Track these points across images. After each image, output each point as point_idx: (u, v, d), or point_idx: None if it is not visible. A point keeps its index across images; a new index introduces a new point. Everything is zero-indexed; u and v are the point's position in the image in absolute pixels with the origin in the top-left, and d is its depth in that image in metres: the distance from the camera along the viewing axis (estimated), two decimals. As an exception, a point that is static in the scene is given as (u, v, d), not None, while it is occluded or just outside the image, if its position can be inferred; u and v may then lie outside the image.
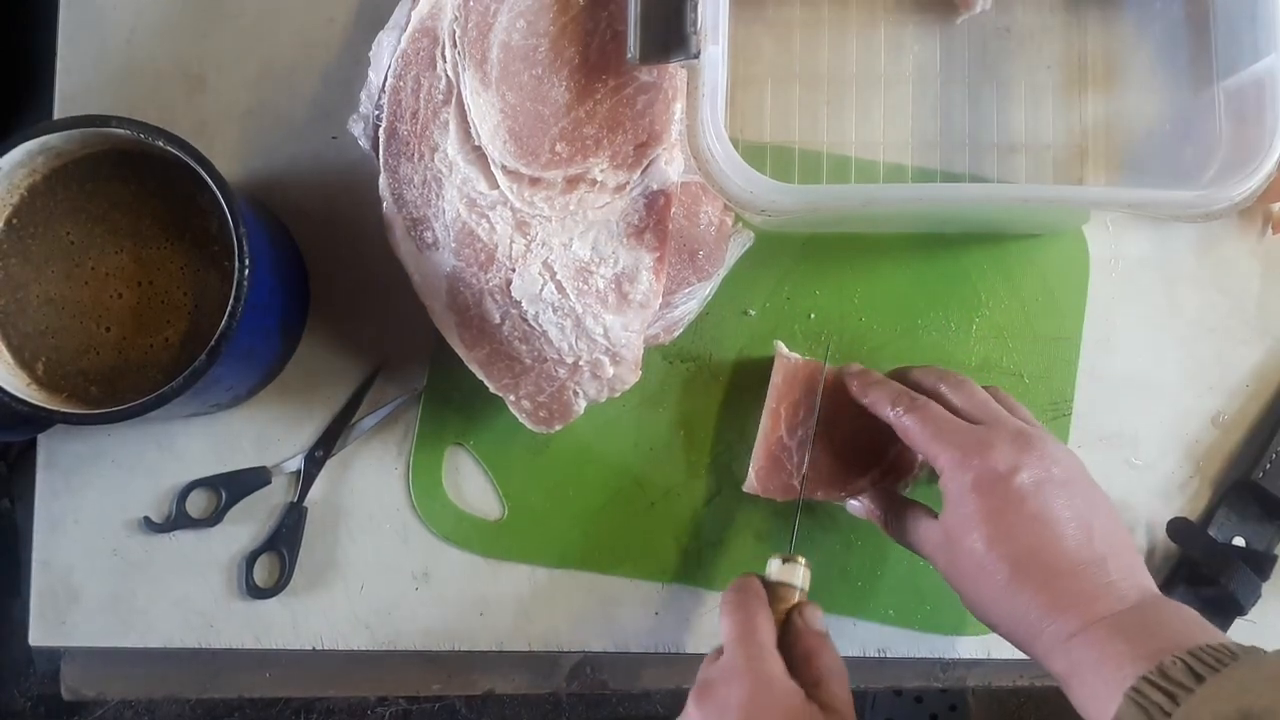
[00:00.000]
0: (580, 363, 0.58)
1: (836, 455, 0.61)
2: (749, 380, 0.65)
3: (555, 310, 0.57)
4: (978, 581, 0.51)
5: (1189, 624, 0.46)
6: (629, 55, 0.54)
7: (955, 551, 0.52)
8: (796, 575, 0.56)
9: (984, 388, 0.57)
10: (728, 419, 0.65)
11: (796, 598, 0.55)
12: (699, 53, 0.53)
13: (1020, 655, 0.64)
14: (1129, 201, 0.55)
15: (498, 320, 0.58)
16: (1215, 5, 0.60)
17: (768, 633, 0.52)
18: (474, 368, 0.59)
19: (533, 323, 0.58)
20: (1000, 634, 0.51)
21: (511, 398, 0.59)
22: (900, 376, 0.59)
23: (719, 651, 0.53)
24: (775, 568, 0.56)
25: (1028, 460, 0.50)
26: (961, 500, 0.51)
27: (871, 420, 0.58)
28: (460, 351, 0.59)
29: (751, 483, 0.62)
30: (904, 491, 0.61)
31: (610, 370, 0.58)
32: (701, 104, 0.53)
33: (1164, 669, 0.43)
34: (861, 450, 0.60)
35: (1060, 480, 0.51)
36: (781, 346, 0.62)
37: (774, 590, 0.55)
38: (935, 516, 0.54)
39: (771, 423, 0.61)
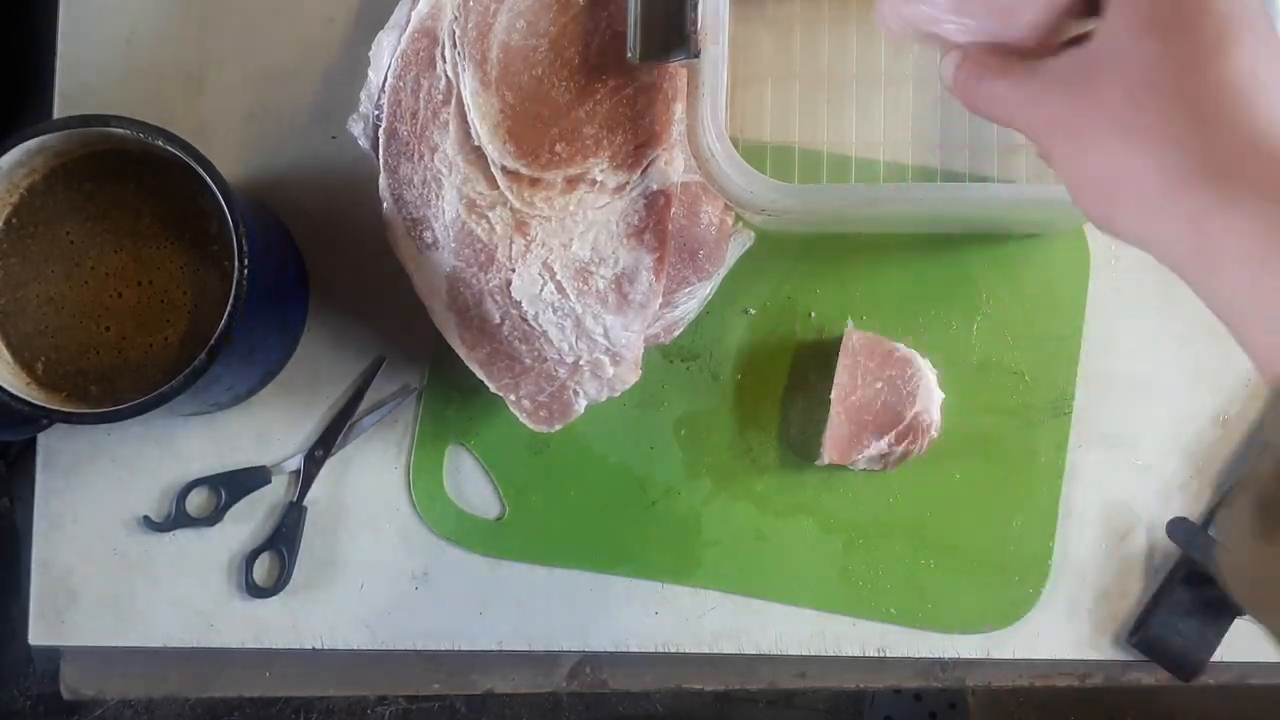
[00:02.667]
0: (580, 363, 0.58)
1: (852, 419, 0.62)
2: (750, 379, 0.65)
3: (555, 310, 0.57)
4: (1114, 125, 0.34)
5: None
6: (629, 55, 0.54)
7: (1089, 88, 0.34)
8: None
9: None
10: (728, 418, 0.65)
11: None
12: (699, 52, 0.53)
13: (1020, 655, 0.64)
14: (1129, 201, 0.55)
15: (498, 320, 0.58)
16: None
17: None
18: (474, 368, 0.59)
19: (533, 323, 0.58)
20: (1129, 222, 0.36)
21: (512, 397, 0.59)
22: None
23: None
24: None
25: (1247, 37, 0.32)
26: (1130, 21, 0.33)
27: (890, 383, 0.60)
28: (460, 351, 0.59)
29: (826, 454, 0.62)
30: (917, 453, 0.62)
31: (610, 370, 0.58)
32: (701, 104, 0.53)
33: None
34: (879, 413, 0.62)
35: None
36: (850, 324, 0.64)
37: None
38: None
39: (844, 394, 0.62)
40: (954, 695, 1.12)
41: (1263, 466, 0.31)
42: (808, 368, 0.65)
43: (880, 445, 0.61)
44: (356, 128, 0.61)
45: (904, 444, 0.62)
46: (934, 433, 0.62)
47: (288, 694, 0.70)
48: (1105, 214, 0.36)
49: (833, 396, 0.62)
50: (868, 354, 0.62)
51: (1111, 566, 0.64)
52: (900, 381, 0.62)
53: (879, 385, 0.62)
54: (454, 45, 0.58)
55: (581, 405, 0.60)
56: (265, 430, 0.66)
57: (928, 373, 0.62)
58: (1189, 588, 0.63)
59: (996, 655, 0.64)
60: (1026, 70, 0.36)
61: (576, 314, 0.57)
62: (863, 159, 0.65)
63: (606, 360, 0.58)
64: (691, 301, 0.63)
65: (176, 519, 0.64)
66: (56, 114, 0.67)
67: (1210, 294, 0.34)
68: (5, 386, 0.55)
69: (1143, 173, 0.33)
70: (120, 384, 0.58)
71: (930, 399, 0.62)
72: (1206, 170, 0.32)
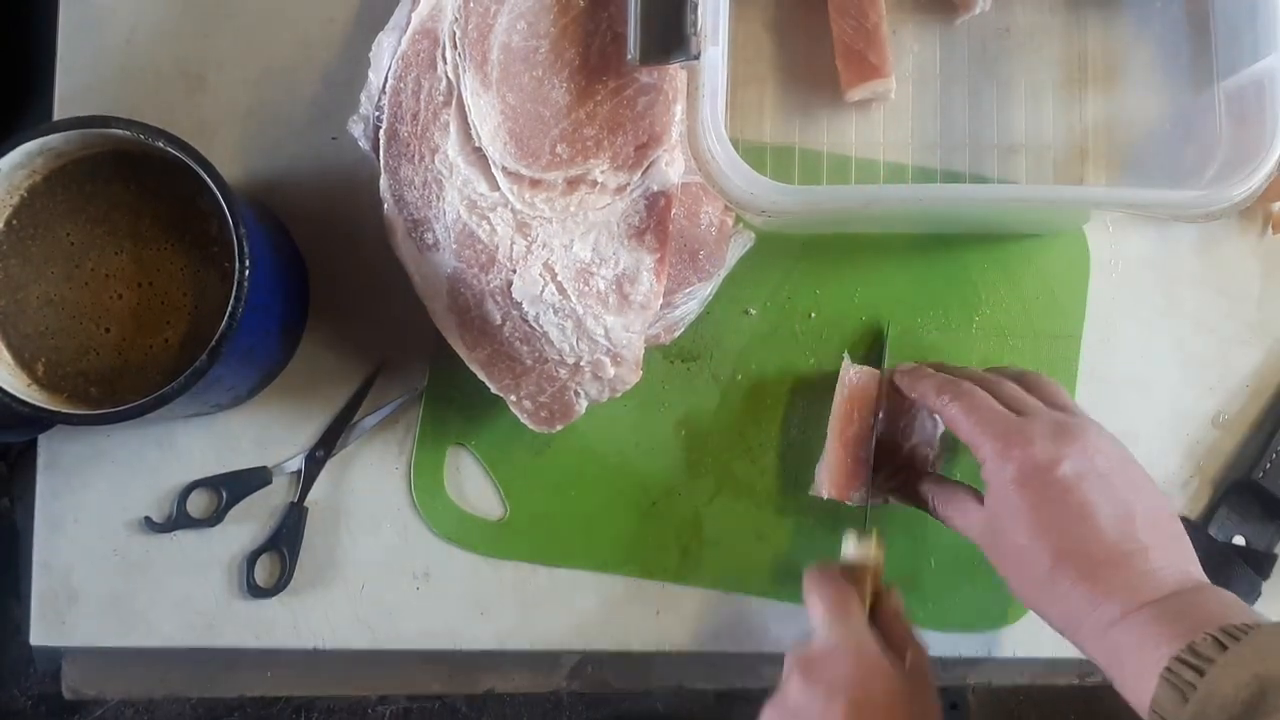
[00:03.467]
0: (581, 363, 0.58)
1: (850, 453, 0.61)
2: (750, 380, 0.65)
3: (556, 311, 0.57)
4: (1020, 569, 0.52)
5: (1227, 606, 0.46)
6: (629, 56, 0.54)
7: (998, 540, 0.53)
8: (869, 552, 0.57)
9: (1027, 374, 0.58)
10: (728, 418, 0.65)
11: (869, 577, 0.57)
12: (699, 54, 0.52)
13: (1020, 655, 0.64)
14: (1129, 201, 0.55)
15: (499, 321, 0.58)
16: (1215, 5, 0.60)
17: (860, 613, 0.55)
18: (475, 368, 0.59)
19: (533, 324, 0.58)
20: (1044, 619, 0.52)
21: (513, 398, 0.59)
22: (944, 371, 0.60)
23: (798, 644, 0.55)
24: (851, 546, 0.58)
25: (1069, 451, 0.51)
26: (1003, 491, 0.52)
27: (892, 419, 0.60)
28: (461, 352, 0.59)
29: (821, 488, 0.62)
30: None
31: (611, 371, 0.58)
32: (702, 105, 0.53)
33: (1194, 647, 0.43)
34: (877, 449, 0.61)
35: (1102, 470, 0.51)
36: (847, 359, 0.63)
37: (849, 571, 0.57)
38: (981, 501, 0.55)
39: (841, 427, 0.62)
40: (954, 694, 1.12)
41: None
42: (808, 367, 0.65)
43: (877, 480, 0.61)
44: (357, 129, 0.61)
45: (900, 477, 0.61)
46: (934, 465, 0.62)
47: (288, 694, 0.70)
48: (1015, 588, 0.53)
49: (829, 430, 0.62)
50: (863, 391, 0.62)
51: (1111, 566, 0.65)
52: (898, 414, 0.62)
53: (878, 417, 0.61)
54: (454, 46, 0.58)
55: (583, 405, 0.60)
56: (266, 431, 0.66)
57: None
58: (1188, 587, 0.63)
59: (996, 654, 0.64)
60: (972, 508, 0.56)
61: (577, 315, 0.57)
62: (863, 159, 0.65)
63: (607, 361, 0.58)
64: (691, 302, 0.63)
65: (177, 520, 0.64)
66: (56, 115, 0.67)
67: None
68: (6, 388, 0.55)
69: (1035, 566, 0.51)
70: (121, 385, 0.58)
71: (930, 431, 0.62)
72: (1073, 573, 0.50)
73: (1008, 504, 0.51)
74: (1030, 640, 0.64)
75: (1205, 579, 0.49)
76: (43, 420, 0.58)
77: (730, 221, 0.63)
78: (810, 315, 0.65)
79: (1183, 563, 0.49)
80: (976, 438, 0.53)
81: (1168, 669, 0.43)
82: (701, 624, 0.65)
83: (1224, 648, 0.43)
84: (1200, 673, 0.42)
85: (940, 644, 0.64)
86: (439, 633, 0.65)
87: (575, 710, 1.29)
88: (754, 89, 0.66)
